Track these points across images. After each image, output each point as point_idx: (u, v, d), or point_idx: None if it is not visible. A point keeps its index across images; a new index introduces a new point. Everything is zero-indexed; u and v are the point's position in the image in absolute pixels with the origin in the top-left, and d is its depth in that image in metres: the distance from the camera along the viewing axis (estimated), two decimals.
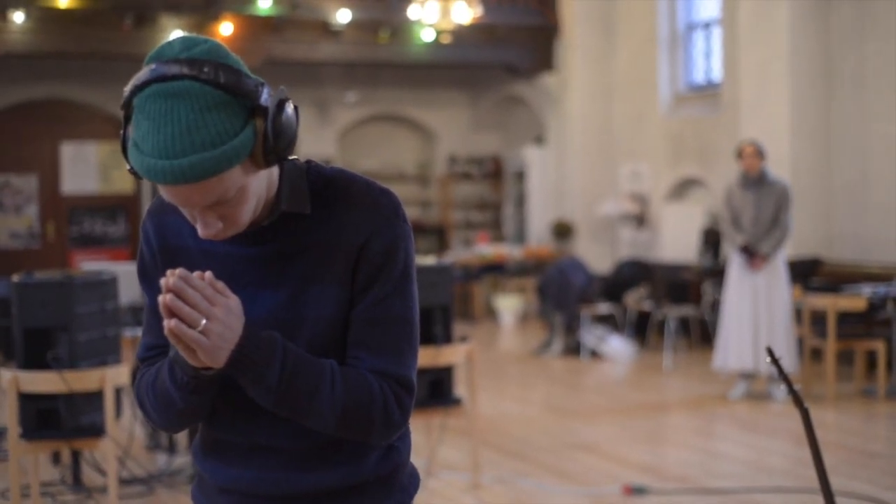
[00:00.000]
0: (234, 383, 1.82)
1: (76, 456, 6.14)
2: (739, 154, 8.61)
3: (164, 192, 1.70)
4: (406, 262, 1.86)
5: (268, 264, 1.83)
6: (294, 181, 1.84)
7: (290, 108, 1.74)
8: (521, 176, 16.32)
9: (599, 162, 14.44)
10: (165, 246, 1.90)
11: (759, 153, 8.51)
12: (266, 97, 1.69)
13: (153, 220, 1.92)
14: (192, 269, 1.74)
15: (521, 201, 16.47)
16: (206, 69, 1.64)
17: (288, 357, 1.76)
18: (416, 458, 6.44)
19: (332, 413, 1.79)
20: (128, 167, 1.72)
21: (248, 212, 1.75)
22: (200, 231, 1.74)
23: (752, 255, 8.51)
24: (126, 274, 6.11)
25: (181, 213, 1.80)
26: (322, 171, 1.87)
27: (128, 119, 1.70)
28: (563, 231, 14.61)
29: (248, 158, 1.69)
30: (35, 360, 5.18)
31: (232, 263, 1.84)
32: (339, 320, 1.82)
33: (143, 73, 1.67)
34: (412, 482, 2.01)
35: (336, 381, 1.79)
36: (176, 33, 12.13)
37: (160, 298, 1.66)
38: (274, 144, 1.69)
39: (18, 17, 12.08)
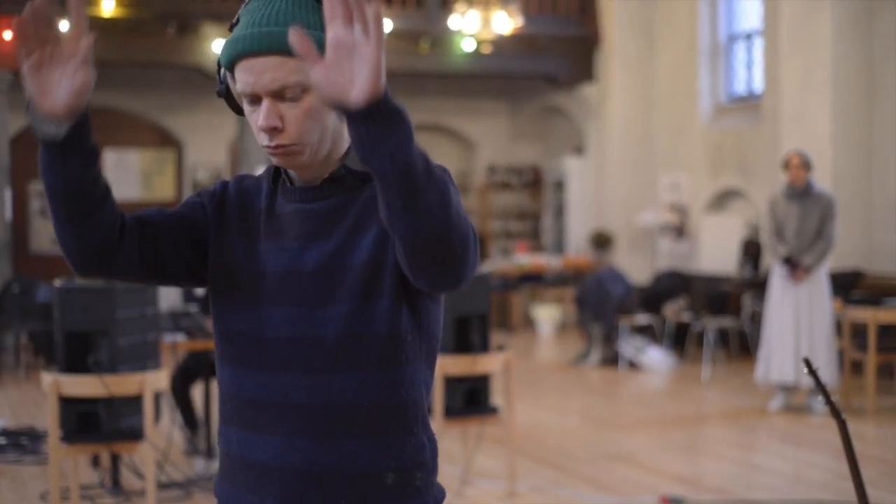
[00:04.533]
0: (270, 333, 1.86)
1: (115, 459, 6.21)
2: (786, 164, 8.53)
3: (240, 73, 1.82)
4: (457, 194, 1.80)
5: (323, 218, 1.89)
6: None
7: None
8: (560, 186, 16.30)
9: (639, 172, 14.40)
10: (240, 203, 1.98)
11: (806, 164, 8.44)
12: None
13: (236, 182, 2.03)
14: (253, 226, 1.93)
15: (560, 211, 16.44)
16: None
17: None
18: (452, 467, 6.46)
19: (442, 197, 1.63)
20: (218, 84, 1.91)
21: (308, 132, 1.82)
22: (261, 120, 1.82)
23: (794, 266, 8.44)
24: None
25: (259, 179, 1.99)
26: None
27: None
28: (602, 241, 14.58)
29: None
30: (76, 364, 5.25)
31: (290, 220, 1.92)
32: (377, 261, 1.81)
33: None
34: (435, 493, 1.95)
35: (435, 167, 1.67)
36: (218, 42, 12.22)
37: None
38: None
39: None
